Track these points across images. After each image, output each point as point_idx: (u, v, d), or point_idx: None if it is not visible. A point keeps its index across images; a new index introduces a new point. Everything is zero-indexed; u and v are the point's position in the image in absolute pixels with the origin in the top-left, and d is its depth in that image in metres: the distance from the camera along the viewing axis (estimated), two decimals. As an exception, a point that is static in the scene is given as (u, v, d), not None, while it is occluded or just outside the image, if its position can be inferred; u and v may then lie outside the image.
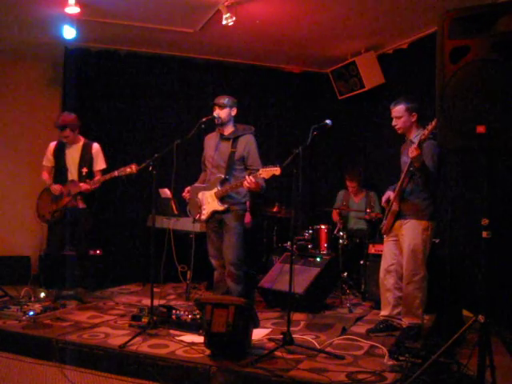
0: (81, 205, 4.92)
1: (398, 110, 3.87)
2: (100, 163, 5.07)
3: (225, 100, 4.27)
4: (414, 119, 3.85)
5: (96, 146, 5.08)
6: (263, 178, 3.89)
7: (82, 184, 4.84)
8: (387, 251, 4.01)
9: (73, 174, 4.95)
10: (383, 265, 4.02)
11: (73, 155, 4.99)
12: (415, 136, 3.86)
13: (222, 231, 4.28)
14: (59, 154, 5.00)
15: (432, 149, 3.71)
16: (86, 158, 4.99)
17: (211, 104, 4.33)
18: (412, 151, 3.55)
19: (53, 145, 5.06)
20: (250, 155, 4.23)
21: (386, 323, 3.94)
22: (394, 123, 3.92)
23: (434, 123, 3.36)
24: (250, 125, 4.44)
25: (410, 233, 3.80)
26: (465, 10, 2.55)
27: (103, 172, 5.01)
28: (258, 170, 3.87)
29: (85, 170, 4.95)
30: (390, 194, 4.04)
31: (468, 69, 2.50)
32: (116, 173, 4.72)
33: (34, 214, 5.00)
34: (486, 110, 2.44)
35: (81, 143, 5.03)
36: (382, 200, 4.12)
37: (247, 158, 4.24)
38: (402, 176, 3.84)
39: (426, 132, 3.47)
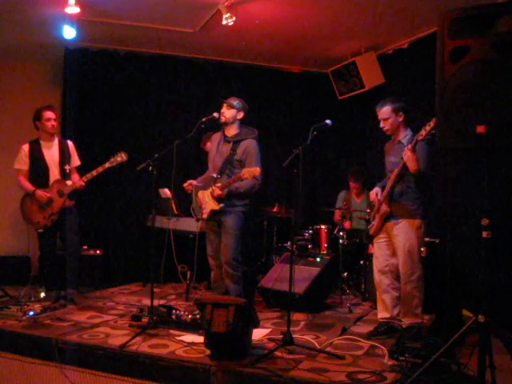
0: (69, 202, 4.81)
1: (385, 111, 3.84)
2: (76, 160, 5.00)
3: (235, 101, 4.31)
4: (401, 119, 3.84)
5: (71, 143, 5.01)
6: (248, 178, 3.97)
7: (75, 181, 4.75)
8: (379, 252, 3.96)
9: (54, 173, 4.79)
10: (377, 266, 3.97)
11: (52, 154, 4.83)
12: (404, 137, 3.86)
13: (220, 231, 4.29)
14: (36, 154, 4.78)
15: (424, 151, 3.68)
16: (66, 156, 4.88)
17: (221, 100, 4.35)
18: (406, 153, 3.53)
19: (26, 147, 4.80)
20: (248, 160, 4.23)
21: (387, 325, 3.90)
22: (381, 125, 3.90)
23: (432, 123, 3.34)
24: (251, 126, 4.44)
25: (404, 233, 3.78)
26: (465, 10, 2.55)
27: (78, 169, 4.97)
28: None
29: (67, 167, 4.84)
30: (378, 189, 3.98)
31: (468, 69, 2.50)
32: (107, 164, 4.67)
33: (23, 222, 4.82)
34: (486, 110, 2.44)
35: (56, 141, 4.91)
36: (371, 196, 4.03)
37: (245, 163, 4.24)
38: (392, 178, 3.79)
39: (423, 132, 3.44)
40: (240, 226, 4.27)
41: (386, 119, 3.86)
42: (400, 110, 3.84)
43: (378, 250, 3.98)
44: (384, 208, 3.84)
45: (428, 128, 3.39)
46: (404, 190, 3.79)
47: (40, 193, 4.69)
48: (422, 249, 4.63)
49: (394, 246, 3.86)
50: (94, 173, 4.70)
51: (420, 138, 3.48)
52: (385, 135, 5.84)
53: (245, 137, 4.31)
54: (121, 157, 4.68)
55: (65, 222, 4.79)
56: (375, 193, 3.98)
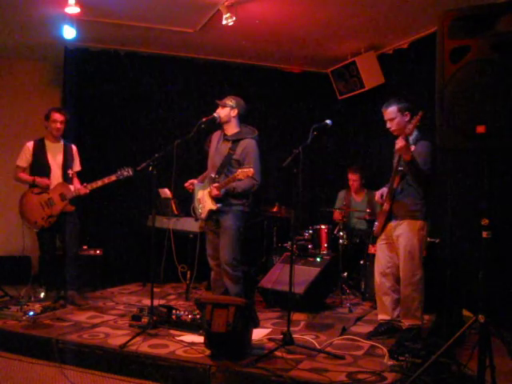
0: (70, 207, 4.79)
1: (391, 111, 3.83)
2: (78, 165, 5.01)
3: (228, 100, 4.30)
4: (407, 119, 3.82)
5: (74, 148, 5.02)
6: (242, 179, 3.94)
7: (79, 188, 4.76)
8: (381, 254, 3.96)
9: (57, 175, 4.79)
10: (378, 268, 3.96)
11: (55, 155, 4.82)
12: (414, 136, 3.87)
13: (219, 231, 4.29)
14: (39, 153, 4.79)
15: (425, 149, 3.71)
16: (70, 159, 4.90)
17: (216, 102, 4.36)
18: (397, 143, 3.55)
19: (31, 144, 4.81)
20: (246, 160, 4.22)
21: (387, 325, 3.90)
22: (388, 126, 3.89)
23: (418, 117, 3.42)
24: (251, 126, 4.43)
25: (405, 234, 3.77)
26: (465, 10, 2.55)
27: (78, 174, 4.98)
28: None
29: (70, 171, 4.85)
30: (384, 190, 3.99)
31: (468, 69, 2.50)
32: (114, 177, 4.71)
33: (21, 220, 4.77)
34: (486, 110, 2.44)
35: (61, 143, 4.91)
36: (376, 196, 4.05)
37: (243, 163, 4.23)
38: (393, 175, 3.82)
39: (410, 126, 3.48)
40: (238, 225, 4.25)
41: (392, 119, 3.84)
42: (406, 109, 3.82)
43: (380, 251, 3.97)
44: (385, 206, 3.84)
45: (414, 122, 3.44)
46: (405, 189, 3.79)
47: (40, 179, 4.70)
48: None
49: (396, 248, 3.85)
50: (100, 183, 4.73)
51: (407, 132, 3.52)
52: (384, 137, 5.84)
53: (244, 136, 4.31)
54: (128, 172, 4.74)
55: (65, 226, 4.78)
56: (380, 193, 3.99)
